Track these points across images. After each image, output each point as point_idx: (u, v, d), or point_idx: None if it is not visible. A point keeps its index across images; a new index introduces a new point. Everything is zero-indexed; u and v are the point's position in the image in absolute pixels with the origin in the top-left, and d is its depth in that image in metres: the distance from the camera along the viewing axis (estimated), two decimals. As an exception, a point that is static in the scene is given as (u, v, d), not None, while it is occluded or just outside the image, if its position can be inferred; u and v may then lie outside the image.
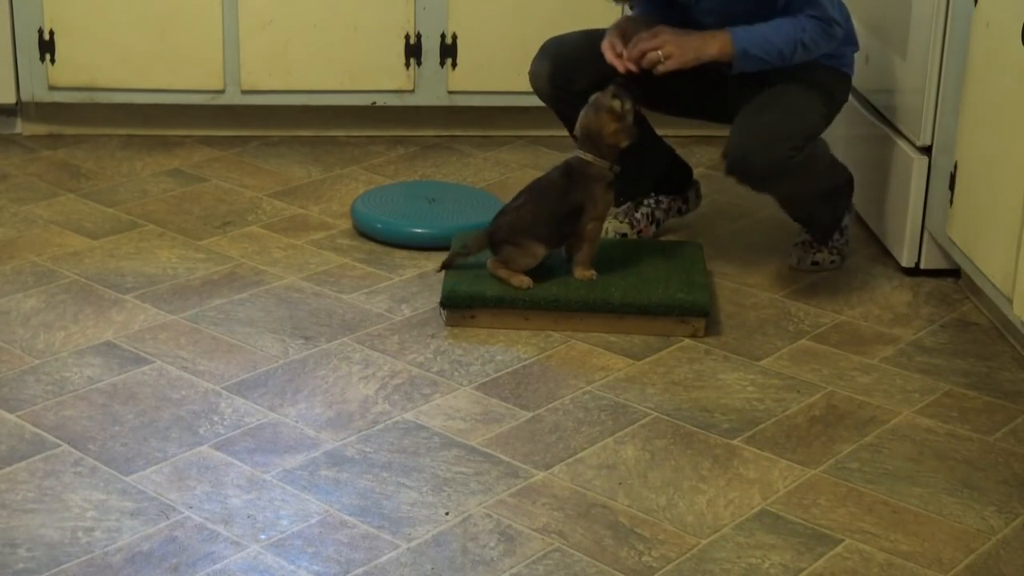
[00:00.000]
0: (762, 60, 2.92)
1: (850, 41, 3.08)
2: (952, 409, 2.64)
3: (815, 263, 3.18)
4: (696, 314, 2.87)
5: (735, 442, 2.51)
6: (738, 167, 2.95)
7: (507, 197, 3.06)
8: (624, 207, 3.28)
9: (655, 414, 2.59)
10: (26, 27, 3.77)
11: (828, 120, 3.07)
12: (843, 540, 2.25)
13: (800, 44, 2.91)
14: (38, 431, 2.49)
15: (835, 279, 3.16)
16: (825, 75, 3.04)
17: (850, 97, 3.46)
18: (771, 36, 2.91)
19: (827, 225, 3.18)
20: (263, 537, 2.21)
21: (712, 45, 2.92)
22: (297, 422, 2.54)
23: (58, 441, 2.46)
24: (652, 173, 3.29)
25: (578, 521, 2.28)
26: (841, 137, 3.58)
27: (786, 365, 2.78)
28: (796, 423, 2.58)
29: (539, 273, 2.96)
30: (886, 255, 3.26)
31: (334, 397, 2.63)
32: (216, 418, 2.55)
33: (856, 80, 3.45)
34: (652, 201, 3.32)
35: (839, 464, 2.45)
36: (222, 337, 2.83)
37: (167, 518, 2.25)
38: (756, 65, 2.93)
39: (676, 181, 3.36)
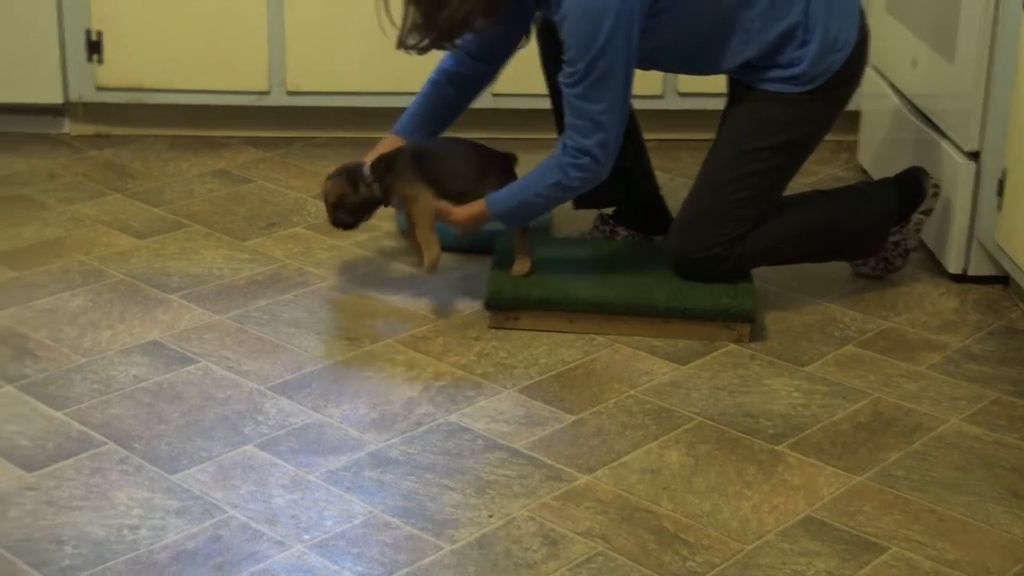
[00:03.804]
0: (525, 213, 2.90)
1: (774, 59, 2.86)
2: (1000, 417, 2.62)
3: (860, 274, 3.16)
4: (741, 319, 2.86)
5: (780, 448, 2.50)
6: (674, 266, 2.96)
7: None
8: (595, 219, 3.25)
9: (699, 419, 2.58)
10: (74, 28, 3.80)
11: (783, 173, 2.95)
12: (889, 548, 2.23)
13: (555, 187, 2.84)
14: (84, 429, 2.50)
15: (881, 285, 3.13)
16: (777, 111, 2.89)
17: (897, 101, 3.45)
18: (520, 191, 2.88)
19: (861, 255, 3.12)
20: (307, 537, 2.22)
21: (466, 212, 2.91)
22: (341, 423, 2.54)
23: (104, 439, 2.47)
24: (620, 192, 3.18)
25: (622, 525, 2.27)
26: (886, 142, 3.57)
27: (832, 371, 2.77)
28: (842, 429, 2.56)
29: (583, 276, 2.96)
30: (933, 261, 3.23)
31: (378, 398, 2.63)
32: (261, 418, 2.55)
33: (903, 84, 3.44)
34: (608, 228, 3.24)
35: (885, 471, 2.44)
36: (267, 337, 2.84)
37: (212, 517, 2.26)
38: (527, 214, 2.91)
39: (647, 225, 3.23)
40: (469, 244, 3.20)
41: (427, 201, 2.91)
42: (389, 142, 3.05)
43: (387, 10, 2.81)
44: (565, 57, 2.77)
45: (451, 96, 3.06)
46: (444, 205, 2.92)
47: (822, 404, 2.65)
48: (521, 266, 2.95)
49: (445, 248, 3.23)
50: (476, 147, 3.00)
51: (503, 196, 2.89)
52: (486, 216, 2.91)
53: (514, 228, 2.96)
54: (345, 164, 3.00)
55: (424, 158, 2.94)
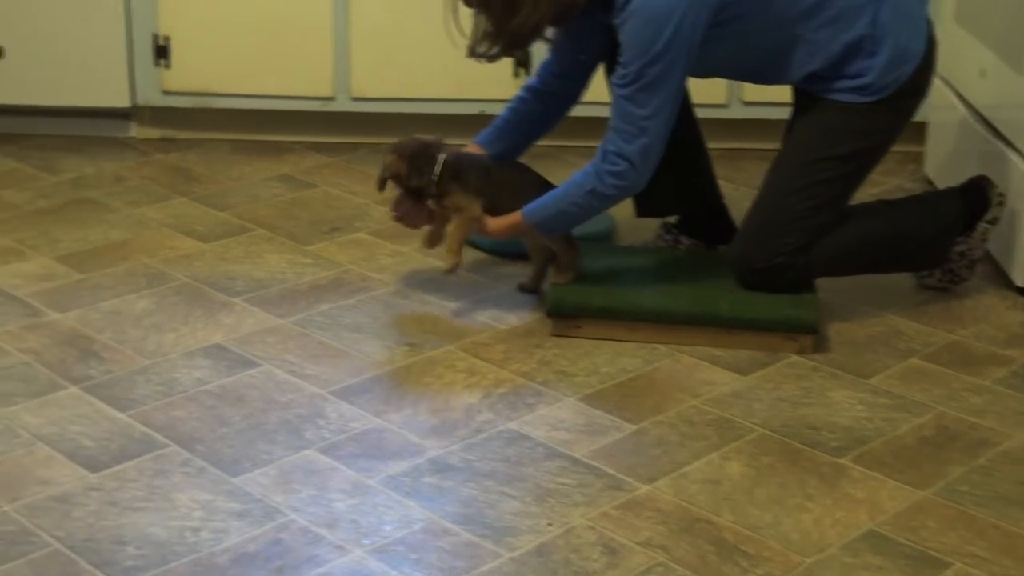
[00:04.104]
0: (561, 223, 2.90)
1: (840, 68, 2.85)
2: (1067, 433, 2.59)
3: (925, 286, 3.13)
4: (805, 330, 2.84)
5: (842, 461, 2.48)
6: (738, 276, 2.94)
7: (621, 209, 3.03)
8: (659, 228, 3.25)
9: (761, 430, 2.57)
10: (141, 33, 3.84)
11: (850, 183, 2.93)
12: (952, 564, 2.20)
13: (587, 195, 2.84)
14: (148, 431, 2.52)
15: (947, 297, 3.10)
16: (845, 121, 2.87)
17: (964, 112, 3.42)
18: (555, 200, 2.88)
19: (925, 265, 3.10)
20: (366, 542, 2.22)
21: (502, 223, 2.92)
22: (402, 428, 2.55)
23: (167, 441, 2.49)
24: (682, 201, 3.20)
25: (682, 536, 2.26)
26: (953, 153, 3.54)
27: (896, 384, 2.74)
28: (905, 443, 2.54)
29: (646, 285, 2.96)
30: (1000, 274, 3.19)
31: (439, 405, 2.63)
32: (322, 422, 2.56)
33: (971, 95, 3.41)
34: (671, 237, 3.24)
35: (949, 486, 2.41)
36: (329, 342, 2.86)
37: (272, 520, 2.27)
38: (563, 223, 2.90)
39: (710, 234, 3.22)
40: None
41: (474, 210, 2.91)
42: (471, 151, 3.06)
43: (456, 19, 2.82)
44: (620, 59, 2.76)
45: (536, 112, 3.07)
46: (483, 217, 2.93)
47: (885, 417, 2.62)
48: (560, 277, 2.95)
49: (505, 255, 3.24)
50: (542, 178, 3.02)
51: (539, 206, 2.89)
52: (522, 226, 2.91)
53: (561, 240, 2.95)
54: (430, 140, 3.01)
55: (490, 174, 2.95)
